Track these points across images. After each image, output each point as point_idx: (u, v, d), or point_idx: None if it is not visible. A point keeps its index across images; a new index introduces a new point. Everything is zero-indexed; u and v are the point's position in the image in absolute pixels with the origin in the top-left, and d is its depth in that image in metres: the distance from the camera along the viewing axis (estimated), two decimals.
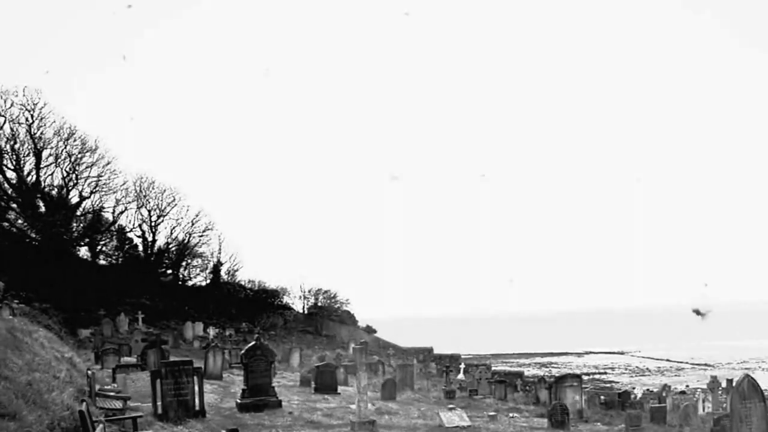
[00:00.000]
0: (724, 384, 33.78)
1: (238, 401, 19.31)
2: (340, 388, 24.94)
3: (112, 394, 16.80)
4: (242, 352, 20.60)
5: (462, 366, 46.58)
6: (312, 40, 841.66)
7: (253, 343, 20.27)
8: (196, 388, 17.15)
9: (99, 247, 55.17)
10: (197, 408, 17.09)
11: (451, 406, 21.31)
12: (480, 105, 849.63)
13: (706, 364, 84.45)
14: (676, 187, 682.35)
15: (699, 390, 43.29)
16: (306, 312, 60.11)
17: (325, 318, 58.26)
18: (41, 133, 49.32)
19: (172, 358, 21.99)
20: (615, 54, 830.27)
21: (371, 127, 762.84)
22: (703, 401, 35.92)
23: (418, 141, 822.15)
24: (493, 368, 53.91)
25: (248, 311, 56.54)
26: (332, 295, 60.90)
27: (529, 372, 72.04)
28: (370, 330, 58.83)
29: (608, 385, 63.88)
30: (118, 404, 15.70)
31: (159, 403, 16.61)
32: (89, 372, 16.83)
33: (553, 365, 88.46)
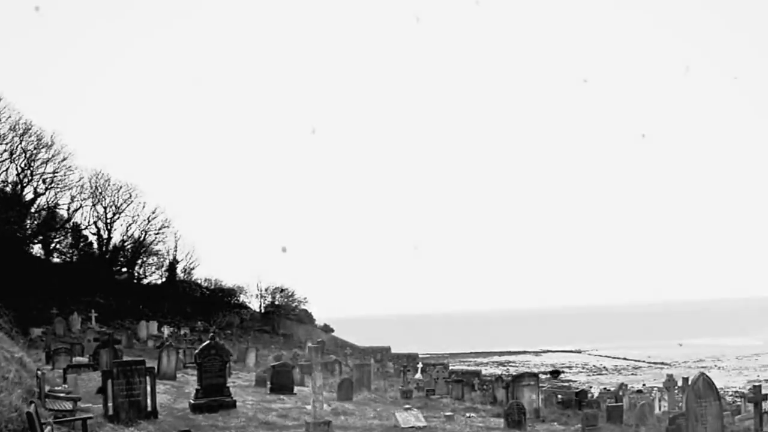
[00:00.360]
0: (680, 382, 34.00)
1: (192, 402, 19.01)
2: (296, 388, 24.73)
3: (62, 395, 16.41)
4: (196, 351, 20.33)
5: (419, 365, 46.46)
6: (264, 32, 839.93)
7: (207, 342, 19.98)
8: (149, 388, 16.84)
9: (53, 245, 54.42)
10: (149, 409, 16.78)
11: (407, 406, 21.14)
12: (446, 118, 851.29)
13: (662, 363, 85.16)
14: (632, 188, 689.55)
15: (655, 389, 43.72)
16: (263, 311, 59.70)
17: (282, 317, 57.90)
18: None
19: (125, 358, 21.67)
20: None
21: (323, 119, 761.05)
22: (660, 400, 36.25)
23: (373, 139, 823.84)
24: (450, 367, 53.95)
25: (204, 310, 56.04)
26: (289, 294, 60.57)
27: (486, 371, 72.27)
28: (327, 329, 58.62)
29: (566, 383, 64.23)
30: (68, 405, 15.35)
31: (110, 404, 16.29)
32: (39, 372, 16.50)
33: (510, 364, 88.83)
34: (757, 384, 21.10)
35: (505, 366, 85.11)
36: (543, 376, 70.89)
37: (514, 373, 73.67)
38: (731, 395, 53.56)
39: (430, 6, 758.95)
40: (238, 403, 19.60)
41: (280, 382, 24.36)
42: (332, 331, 58.42)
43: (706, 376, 14.95)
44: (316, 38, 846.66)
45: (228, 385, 19.98)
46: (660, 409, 34.86)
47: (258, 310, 60.05)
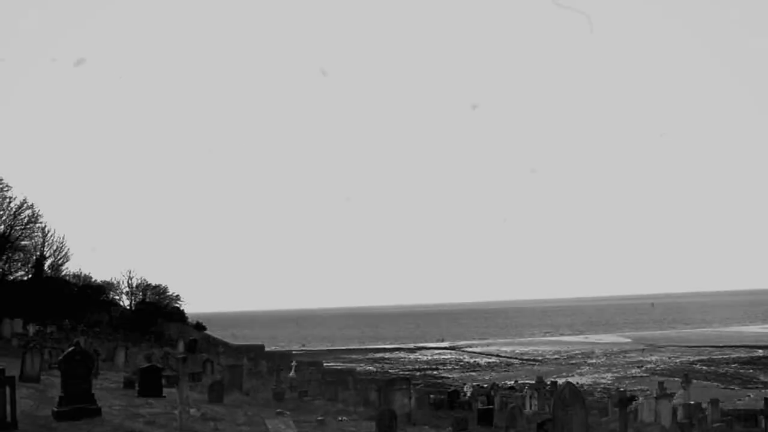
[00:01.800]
0: (554, 379, 35.00)
1: (55, 409, 18.32)
2: (165, 391, 24.15)
3: None
4: (60, 357, 19.63)
5: (294, 364, 46.40)
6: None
7: (71, 348, 19.29)
8: (8, 398, 16.13)
9: None
10: (8, 419, 16.09)
11: (279, 410, 20.98)
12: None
13: (534, 360, 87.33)
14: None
15: (527, 386, 44.66)
16: (134, 308, 58.42)
17: (154, 314, 56.76)
18: None
19: None
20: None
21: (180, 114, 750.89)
22: (531, 398, 37.20)
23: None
24: (325, 365, 54.01)
25: (73, 307, 54.41)
26: (161, 291, 59.45)
27: (361, 368, 72.69)
28: (200, 327, 57.71)
29: (440, 381, 65.06)
30: None
31: None
32: None
33: (385, 361, 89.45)
34: (622, 389, 21.77)
35: (380, 363, 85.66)
36: (417, 373, 71.81)
37: (389, 370, 74.69)
38: (599, 392, 55.42)
39: None
40: (104, 409, 18.97)
41: (149, 385, 23.78)
42: (205, 329, 57.56)
43: (572, 384, 15.34)
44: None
45: (96, 387, 19.39)
46: (531, 407, 35.75)
47: (129, 307, 58.75)
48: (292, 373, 42.43)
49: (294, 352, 62.39)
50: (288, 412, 21.96)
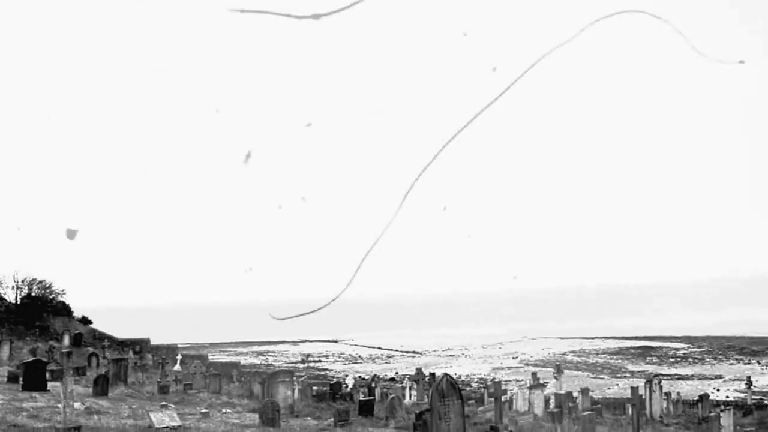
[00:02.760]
0: (429, 372, 35.97)
1: None
2: (50, 385, 24.07)
3: None
4: None
5: (179, 357, 46.28)
6: None
7: None
8: None
9: None
10: None
11: (163, 403, 21.23)
12: None
13: (414, 352, 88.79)
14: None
15: (407, 378, 45.68)
16: (18, 303, 57.07)
17: (39, 309, 55.56)
18: None
19: None
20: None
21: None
22: (410, 389, 38.12)
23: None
24: (210, 358, 53.92)
25: None
26: (47, 285, 58.19)
27: (246, 361, 72.81)
28: (86, 321, 56.71)
29: (323, 373, 65.65)
30: None
31: None
32: None
33: (270, 354, 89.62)
34: (497, 381, 22.74)
35: (264, 356, 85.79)
36: (301, 366, 72.29)
37: (273, 363, 74.93)
38: (476, 382, 57.07)
39: None
40: None
41: (34, 379, 23.67)
42: (91, 322, 56.59)
43: (450, 376, 16.15)
44: None
45: None
46: (410, 398, 36.64)
47: (14, 302, 57.36)
48: (177, 367, 42.38)
49: (179, 345, 61.95)
50: (172, 405, 22.22)
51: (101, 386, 23.88)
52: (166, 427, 18.30)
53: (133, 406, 21.74)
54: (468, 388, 51.17)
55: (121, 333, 58.77)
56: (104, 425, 18.03)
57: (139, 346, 50.62)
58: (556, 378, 35.68)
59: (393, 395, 26.23)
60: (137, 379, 31.23)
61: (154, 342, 53.63)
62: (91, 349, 40.04)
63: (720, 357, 74.89)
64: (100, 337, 50.61)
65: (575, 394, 33.89)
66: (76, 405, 18.39)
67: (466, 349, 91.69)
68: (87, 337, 48.08)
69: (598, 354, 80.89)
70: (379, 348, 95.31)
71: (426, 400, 33.04)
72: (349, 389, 37.91)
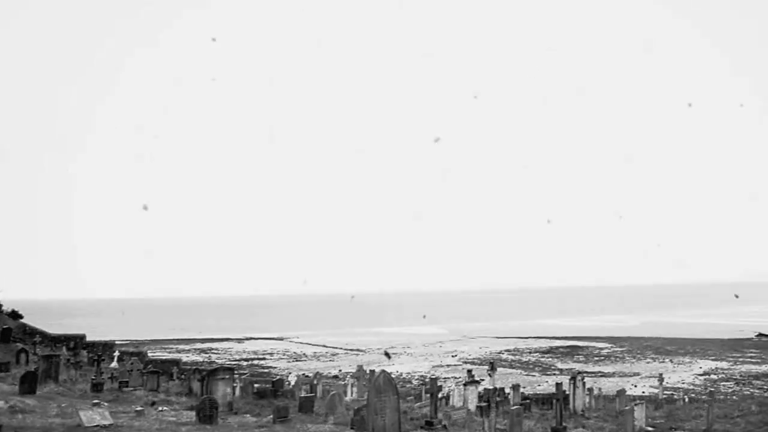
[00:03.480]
0: (370, 370, 35.91)
1: None
2: None
3: None
4: None
5: (116, 354, 45.39)
6: None
7: None
8: None
9: None
10: None
11: (96, 401, 20.61)
12: None
13: (358, 349, 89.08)
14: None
15: (349, 375, 45.62)
16: None
17: None
18: None
19: None
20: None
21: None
22: (352, 386, 38.06)
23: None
24: (150, 355, 52.96)
25: None
26: None
27: (188, 358, 72.10)
28: (15, 315, 55.31)
29: (266, 370, 65.35)
30: None
31: None
32: None
33: (213, 351, 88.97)
34: (434, 377, 22.58)
35: (207, 353, 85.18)
36: (244, 363, 71.76)
37: (216, 360, 74.25)
38: (416, 379, 57.73)
39: None
40: None
41: None
42: (21, 317, 55.21)
43: (386, 372, 16.00)
44: None
45: None
46: (352, 395, 36.54)
47: None
48: (114, 364, 41.60)
49: (117, 342, 60.78)
50: (105, 403, 21.61)
51: (29, 384, 23.09)
52: (97, 425, 17.69)
53: (63, 405, 21.04)
54: (408, 386, 51.70)
55: (55, 329, 57.65)
56: (29, 424, 17.34)
57: (74, 342, 49.41)
58: (490, 375, 36.69)
59: (334, 392, 25.93)
60: (70, 376, 30.49)
61: (90, 338, 52.38)
62: (20, 345, 39.01)
63: (639, 356, 78.48)
64: (31, 332, 49.25)
65: (507, 390, 35.04)
66: None
67: (408, 347, 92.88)
68: (17, 332, 46.75)
69: (531, 353, 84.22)
70: (324, 346, 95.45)
71: (366, 396, 32.89)
72: (291, 386, 37.56)
